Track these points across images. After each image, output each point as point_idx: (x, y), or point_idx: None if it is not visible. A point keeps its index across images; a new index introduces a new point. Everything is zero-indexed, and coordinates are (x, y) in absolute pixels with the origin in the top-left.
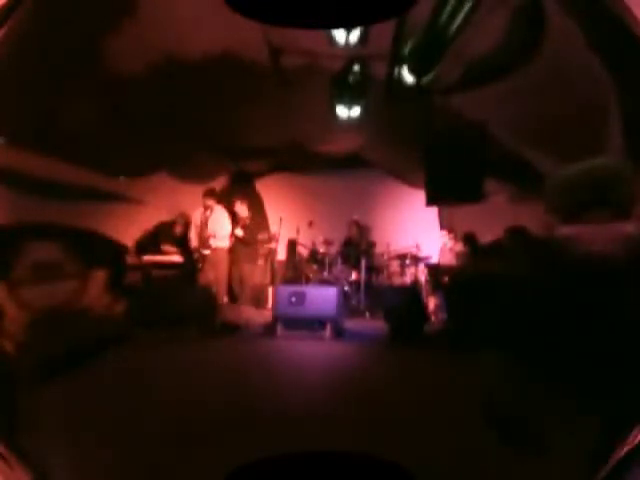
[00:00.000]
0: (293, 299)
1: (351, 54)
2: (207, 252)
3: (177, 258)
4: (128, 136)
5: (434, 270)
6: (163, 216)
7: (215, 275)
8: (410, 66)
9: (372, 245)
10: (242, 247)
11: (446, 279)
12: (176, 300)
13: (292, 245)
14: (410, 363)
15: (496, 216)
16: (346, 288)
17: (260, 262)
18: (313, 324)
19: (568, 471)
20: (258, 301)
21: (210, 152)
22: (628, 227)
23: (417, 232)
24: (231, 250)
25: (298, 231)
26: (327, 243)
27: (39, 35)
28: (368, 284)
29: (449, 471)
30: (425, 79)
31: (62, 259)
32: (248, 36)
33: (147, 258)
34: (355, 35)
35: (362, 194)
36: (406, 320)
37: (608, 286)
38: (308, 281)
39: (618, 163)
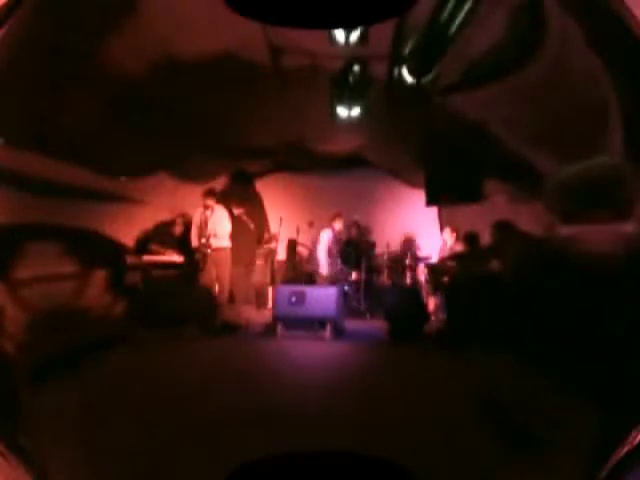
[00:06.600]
0: (293, 299)
1: (351, 54)
2: (207, 252)
3: (177, 258)
4: (128, 136)
5: (434, 270)
6: (163, 216)
7: (215, 275)
8: (410, 66)
9: (372, 245)
10: (242, 247)
11: (446, 279)
12: (176, 300)
13: (292, 245)
14: (410, 363)
15: (496, 216)
16: (346, 288)
17: (260, 262)
18: (313, 324)
19: (568, 471)
20: (258, 301)
21: (210, 152)
22: (628, 227)
23: (417, 232)
24: (231, 250)
25: (298, 231)
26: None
27: (39, 35)
28: (368, 284)
29: (449, 471)
30: (425, 79)
31: (62, 259)
32: (248, 36)
33: (147, 258)
34: (355, 35)
35: (362, 194)
36: (406, 320)
37: (608, 286)
38: (308, 281)
39: (618, 163)
